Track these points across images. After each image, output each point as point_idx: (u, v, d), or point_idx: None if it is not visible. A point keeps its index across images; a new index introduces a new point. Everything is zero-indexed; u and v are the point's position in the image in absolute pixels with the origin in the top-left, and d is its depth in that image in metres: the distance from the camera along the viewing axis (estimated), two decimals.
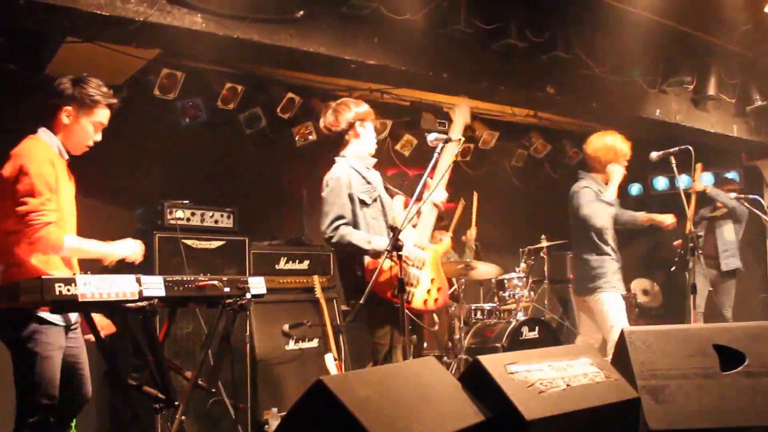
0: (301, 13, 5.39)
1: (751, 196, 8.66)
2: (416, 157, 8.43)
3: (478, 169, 9.43)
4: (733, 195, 8.64)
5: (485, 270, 8.47)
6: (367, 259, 4.70)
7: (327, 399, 2.83)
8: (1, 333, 3.92)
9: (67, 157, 4.18)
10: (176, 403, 4.19)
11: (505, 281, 8.56)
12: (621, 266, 6.43)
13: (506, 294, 8.53)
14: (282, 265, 6.95)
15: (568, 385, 3.52)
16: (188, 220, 6.20)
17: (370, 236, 4.66)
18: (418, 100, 7.89)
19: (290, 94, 7.07)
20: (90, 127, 4.17)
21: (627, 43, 7.03)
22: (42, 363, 3.87)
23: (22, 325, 3.84)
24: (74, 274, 4.02)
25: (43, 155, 4.01)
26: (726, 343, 4.28)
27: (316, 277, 7.08)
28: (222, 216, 6.48)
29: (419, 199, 4.70)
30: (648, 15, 6.71)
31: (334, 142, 4.99)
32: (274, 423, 6.16)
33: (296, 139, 7.47)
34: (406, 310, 4.41)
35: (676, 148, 6.17)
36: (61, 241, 3.93)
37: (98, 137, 4.23)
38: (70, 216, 4.23)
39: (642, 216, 6.70)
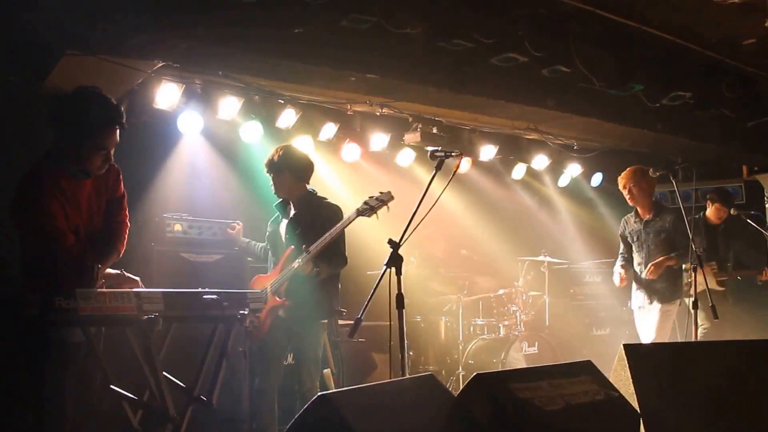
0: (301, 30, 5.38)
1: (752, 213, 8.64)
2: (414, 170, 8.43)
3: (478, 182, 9.42)
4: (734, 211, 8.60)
5: (484, 284, 8.47)
6: None
7: (329, 414, 2.82)
8: None
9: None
10: (173, 416, 4.17)
11: (504, 296, 8.54)
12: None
13: (505, 309, 8.51)
14: None
15: (567, 404, 3.49)
16: (186, 233, 6.18)
17: None
18: (417, 113, 7.87)
19: (289, 107, 7.05)
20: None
21: (628, 57, 7.02)
22: None
23: None
24: None
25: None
26: (728, 360, 4.27)
27: None
28: (220, 229, 6.45)
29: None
30: (649, 29, 6.71)
31: None
32: None
33: None
34: None
35: (678, 165, 6.23)
36: None
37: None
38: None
39: None
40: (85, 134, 4.15)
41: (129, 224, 4.67)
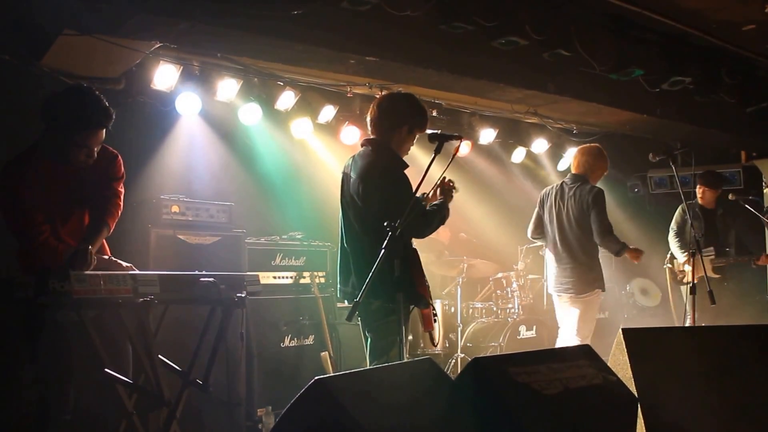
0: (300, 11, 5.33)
1: (750, 197, 8.64)
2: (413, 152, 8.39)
3: (478, 166, 9.40)
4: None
5: (483, 268, 8.46)
6: None
7: (325, 399, 2.80)
8: None
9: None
10: (168, 399, 4.16)
11: (503, 279, 8.54)
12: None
13: (504, 292, 8.51)
14: (278, 261, 6.91)
15: (565, 387, 3.49)
16: (183, 214, 6.15)
17: None
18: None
19: (288, 89, 7.02)
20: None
21: (628, 41, 6.99)
22: None
23: None
24: None
25: None
26: (725, 344, 4.27)
27: (312, 274, 7.05)
28: (218, 211, 6.43)
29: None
30: (650, 14, 6.67)
31: None
32: (269, 420, 6.13)
33: None
34: None
35: (677, 150, 6.19)
36: None
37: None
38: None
39: None
40: (68, 133, 4.30)
41: (121, 205, 4.76)
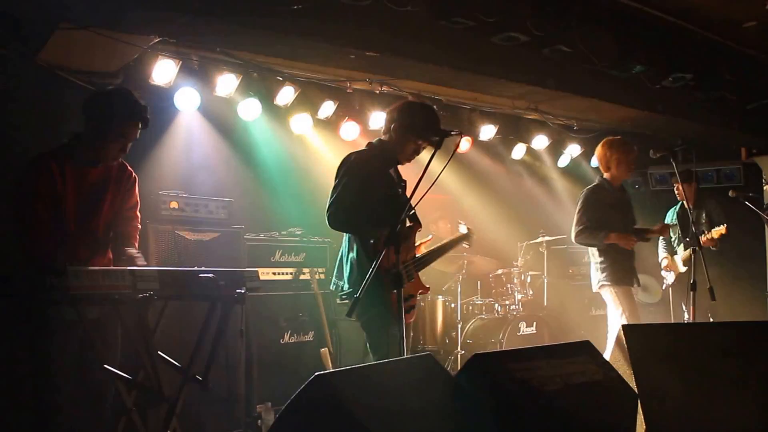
0: (300, 6, 5.30)
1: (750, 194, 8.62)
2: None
3: (478, 162, 9.39)
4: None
5: (483, 264, 8.45)
6: None
7: (325, 394, 2.79)
8: None
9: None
10: (168, 395, 4.15)
11: (503, 276, 8.53)
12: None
13: (504, 289, 8.50)
14: (277, 257, 6.90)
15: (566, 384, 3.48)
16: (182, 210, 6.13)
17: None
18: (417, 92, 7.83)
19: (288, 84, 7.00)
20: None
21: (629, 37, 6.98)
22: None
23: None
24: None
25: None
26: (725, 342, 4.26)
27: (312, 270, 7.04)
28: (217, 207, 6.42)
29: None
30: (650, 10, 6.66)
31: None
32: (268, 417, 6.12)
33: None
34: None
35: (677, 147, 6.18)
36: None
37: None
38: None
39: None
40: (111, 123, 4.38)
41: (140, 228, 4.87)
